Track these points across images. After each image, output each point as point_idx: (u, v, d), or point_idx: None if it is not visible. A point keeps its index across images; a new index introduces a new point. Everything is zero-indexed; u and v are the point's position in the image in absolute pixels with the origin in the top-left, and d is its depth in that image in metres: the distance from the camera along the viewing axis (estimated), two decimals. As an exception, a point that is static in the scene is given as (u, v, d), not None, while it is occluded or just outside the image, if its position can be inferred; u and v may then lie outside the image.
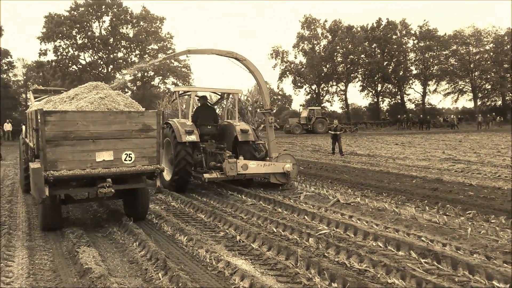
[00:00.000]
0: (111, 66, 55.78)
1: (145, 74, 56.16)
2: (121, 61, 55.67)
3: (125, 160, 7.16)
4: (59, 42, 52.75)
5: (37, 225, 7.71)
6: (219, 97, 13.63)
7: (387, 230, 7.06)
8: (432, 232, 6.87)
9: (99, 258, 5.74)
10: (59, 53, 52.84)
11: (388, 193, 10.05)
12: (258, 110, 14.59)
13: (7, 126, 35.40)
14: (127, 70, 11.35)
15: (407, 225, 7.28)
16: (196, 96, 12.74)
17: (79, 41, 53.69)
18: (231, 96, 14.11)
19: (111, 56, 55.15)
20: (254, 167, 10.95)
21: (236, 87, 17.72)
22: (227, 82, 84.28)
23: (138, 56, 56.95)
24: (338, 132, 20.25)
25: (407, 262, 5.60)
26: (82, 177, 6.90)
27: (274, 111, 12.02)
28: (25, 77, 66.65)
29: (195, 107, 12.90)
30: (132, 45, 56.28)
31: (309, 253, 5.95)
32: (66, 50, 53.65)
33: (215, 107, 14.32)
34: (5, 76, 52.69)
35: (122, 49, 56.65)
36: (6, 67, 50.88)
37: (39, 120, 6.54)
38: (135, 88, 58.48)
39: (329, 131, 21.13)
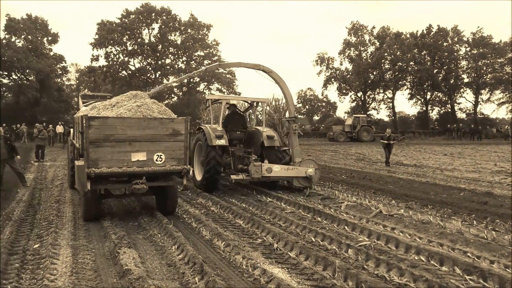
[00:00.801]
0: (159, 72, 57.30)
1: (191, 80, 57.29)
2: (168, 67, 57.05)
3: (156, 160, 8.16)
4: (110, 48, 54.76)
5: (82, 225, 8.03)
6: (248, 105, 14.37)
7: (430, 244, 6.80)
8: (479, 248, 6.55)
9: (138, 260, 5.89)
10: (110, 59, 54.83)
11: (434, 206, 9.70)
12: (283, 118, 15.54)
13: (59, 128, 37.05)
14: (151, 89, 12.13)
15: (452, 239, 6.99)
16: (227, 103, 13.85)
17: (129, 48, 55.50)
18: (260, 104, 14.82)
19: (159, 62, 56.70)
20: (278, 170, 11.62)
21: (266, 96, 18.77)
22: (262, 91, 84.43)
23: (184, 62, 58.23)
24: (392, 142, 19.11)
25: (451, 278, 5.36)
26: (119, 174, 7.98)
27: (297, 118, 13.04)
28: (77, 81, 69.80)
29: (226, 114, 13.67)
30: (179, 52, 57.60)
31: (348, 265, 5.83)
32: (117, 56, 55.58)
33: (245, 114, 15.25)
34: (59, 80, 55.18)
35: (170, 55, 58.08)
36: (60, 72, 53.29)
37: (84, 124, 7.60)
38: (181, 93, 59.78)
39: (381, 140, 19.76)
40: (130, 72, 56.74)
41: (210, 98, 13.54)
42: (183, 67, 57.45)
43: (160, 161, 8.23)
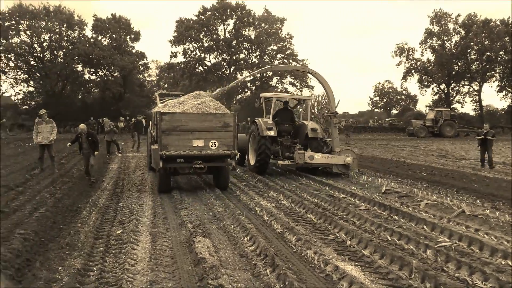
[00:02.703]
0: (233, 67, 58.35)
1: (264, 74, 57.69)
2: (242, 62, 57.81)
3: (211, 146, 10.51)
4: (188, 45, 56.52)
5: (161, 213, 8.46)
6: (296, 102, 17.00)
7: (520, 249, 6.30)
8: None
9: (212, 249, 6.09)
10: (187, 55, 56.62)
11: (525, 207, 8.96)
12: (325, 113, 16.79)
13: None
14: (210, 92, 14.18)
15: (547, 245, 6.41)
16: (279, 100, 16.42)
17: (206, 44, 57.01)
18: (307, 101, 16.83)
19: (233, 57, 57.72)
20: (319, 158, 13.53)
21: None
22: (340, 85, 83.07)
23: (258, 57, 58.74)
24: (490, 138, 16.13)
25: (544, 287, 4.93)
26: (183, 156, 10.50)
27: (338, 113, 15.00)
28: (157, 77, 72.91)
29: (277, 110, 15.87)
30: (253, 47, 58.19)
31: (426, 266, 5.59)
32: (194, 52, 57.30)
33: (294, 110, 17.18)
34: (141, 76, 58.13)
35: (244, 50, 58.86)
36: (142, 68, 56.11)
37: (158, 118, 10.19)
38: (254, 88, 60.47)
39: (477, 137, 17.02)
40: (206, 68, 58.27)
41: (263, 96, 16.11)
42: (257, 61, 57.96)
43: (214, 146, 10.51)
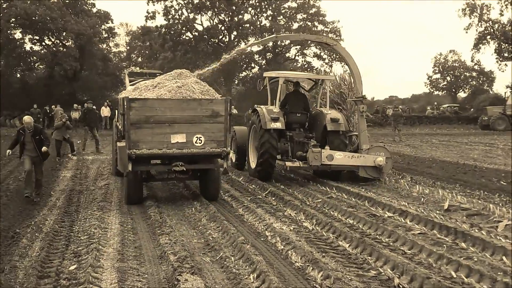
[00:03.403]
0: (235, 33, 58.15)
1: (278, 43, 57.61)
2: (247, 25, 57.50)
3: (195, 142, 10.82)
4: (171, 2, 56.39)
5: (132, 241, 8.51)
6: (313, 83, 17.22)
7: None
8: None
9: (204, 292, 6.11)
10: (170, 16, 56.42)
11: None
12: (349, 98, 17.72)
13: (105, 111, 38.59)
14: (198, 71, 13.96)
15: None
16: (288, 81, 16.93)
17: (196, 0, 56.70)
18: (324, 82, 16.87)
19: (235, 19, 57.37)
20: (340, 158, 13.79)
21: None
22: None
23: (270, 18, 58.66)
24: None
25: None
26: (159, 156, 10.92)
27: (366, 98, 15.37)
28: (128, 47, 72.93)
29: (286, 94, 16.40)
30: (262, 3, 58.00)
31: (506, 315, 5.57)
32: (179, 12, 57.12)
33: (308, 94, 17.77)
34: (104, 46, 57.85)
35: (250, 9, 58.59)
36: (106, 35, 55.92)
37: (125, 106, 10.42)
38: (264, 62, 60.38)
39: None
40: (196, 33, 58.06)
41: (267, 75, 16.25)
42: (268, 24, 57.81)
43: (199, 143, 10.88)
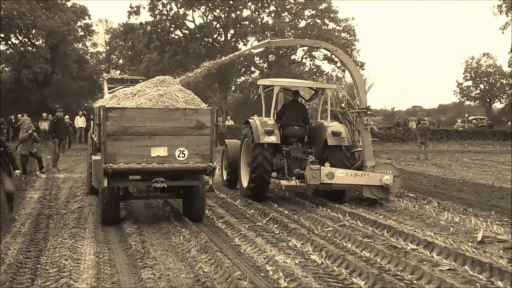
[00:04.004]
0: (232, 31, 58.33)
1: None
2: (246, 23, 57.63)
3: (178, 156, 11.27)
4: (158, -5, 56.59)
5: (109, 275, 8.44)
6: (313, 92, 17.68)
7: None
8: None
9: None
10: (157, 12, 56.56)
11: None
12: (352, 109, 18.33)
13: (80, 121, 38.32)
14: (180, 77, 15.14)
15: None
16: (286, 90, 17.56)
17: (187, -7, 56.88)
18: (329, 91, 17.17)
19: (232, 15, 57.52)
20: (342, 176, 14.20)
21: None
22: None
23: (272, 15, 58.87)
24: None
25: None
26: (138, 171, 11.35)
27: (371, 109, 15.94)
28: (107, 47, 73.15)
29: (283, 104, 17.01)
30: (264, -2, 58.17)
31: None
32: (168, 7, 57.27)
33: (310, 103, 18.73)
34: (80, 46, 57.99)
35: (250, 4, 58.72)
36: (82, 33, 56.10)
37: (101, 116, 10.79)
38: (265, 66, 60.51)
39: None
40: (187, 32, 58.15)
41: (261, 83, 16.85)
42: (270, 21, 57.96)
43: (182, 157, 11.33)
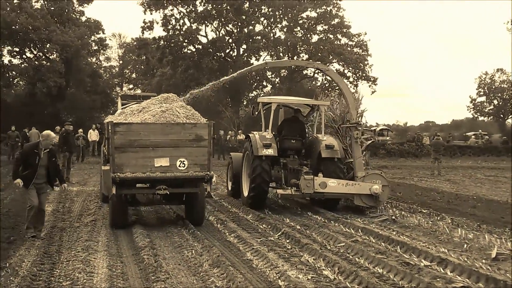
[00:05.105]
0: (244, 46, 58.35)
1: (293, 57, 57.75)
2: (259, 37, 57.46)
3: (179, 166, 12.61)
4: (171, 10, 56.60)
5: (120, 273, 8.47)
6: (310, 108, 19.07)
7: None
8: None
9: None
10: (170, 27, 56.55)
11: None
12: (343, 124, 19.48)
13: (93, 135, 38.36)
14: (183, 98, 15.49)
15: None
16: (286, 107, 19.28)
17: (200, 8, 56.92)
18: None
19: (245, 30, 57.53)
20: (334, 185, 15.43)
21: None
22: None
23: (285, 29, 58.95)
24: None
25: None
26: (142, 179, 12.74)
27: (361, 124, 17.39)
28: (121, 61, 73.40)
29: (283, 120, 18.61)
30: (277, 13, 58.28)
31: None
32: (181, 22, 57.33)
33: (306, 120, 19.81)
34: (94, 60, 58.05)
35: (262, 19, 58.80)
36: (95, 47, 56.20)
37: (110, 130, 12.35)
38: (277, 80, 60.56)
39: None
40: (200, 47, 58.21)
41: (261, 101, 18.32)
42: (282, 36, 58.04)
43: (183, 166, 12.63)
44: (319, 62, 18.77)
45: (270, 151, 15.95)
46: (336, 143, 16.81)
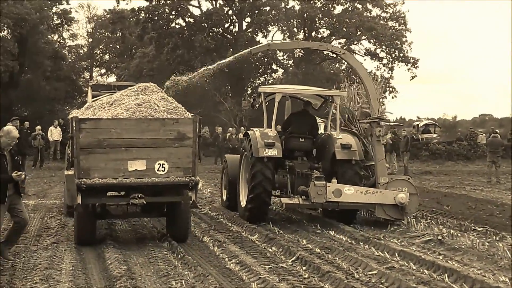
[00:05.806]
0: (248, 20, 58.28)
1: (309, 35, 57.62)
2: (267, 8, 57.51)
3: (158, 170, 12.80)
4: (154, -25, 56.74)
5: None
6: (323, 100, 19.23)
7: None
8: None
9: None
10: (154, -3, 56.59)
11: None
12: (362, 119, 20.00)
13: (54, 133, 37.88)
14: (168, 82, 16.34)
15: None
16: (293, 98, 19.52)
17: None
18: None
19: (248, 1, 57.29)
20: (350, 193, 15.47)
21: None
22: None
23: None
24: None
25: None
26: (114, 186, 12.98)
27: (384, 119, 18.10)
28: (90, 39, 73.44)
29: (290, 114, 18.81)
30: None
31: None
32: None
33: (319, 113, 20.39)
34: (56, 37, 58.23)
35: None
36: (58, 21, 56.18)
37: (74, 127, 12.47)
38: (290, 63, 60.44)
39: None
40: (192, 20, 58.14)
41: (263, 91, 18.51)
42: (297, 7, 57.98)
43: (162, 171, 12.85)
44: (332, 45, 18.33)
45: (273, 152, 15.94)
46: (354, 142, 16.81)
